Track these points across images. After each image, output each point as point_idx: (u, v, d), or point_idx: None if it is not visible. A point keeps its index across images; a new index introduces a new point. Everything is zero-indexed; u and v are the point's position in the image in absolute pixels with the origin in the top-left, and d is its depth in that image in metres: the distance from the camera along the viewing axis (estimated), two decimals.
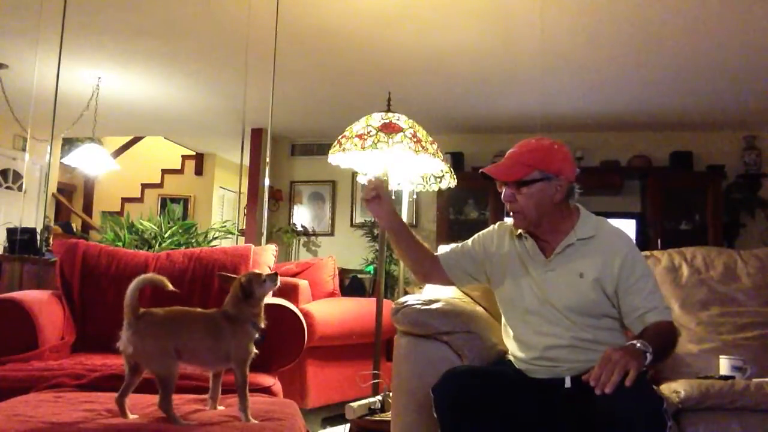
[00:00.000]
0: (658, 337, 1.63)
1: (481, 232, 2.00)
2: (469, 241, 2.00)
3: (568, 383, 1.73)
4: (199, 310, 1.84)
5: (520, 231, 1.88)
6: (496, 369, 1.86)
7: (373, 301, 3.12)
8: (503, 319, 1.95)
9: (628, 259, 1.76)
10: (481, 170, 1.85)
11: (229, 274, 1.87)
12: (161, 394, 1.62)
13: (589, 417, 1.56)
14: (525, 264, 1.86)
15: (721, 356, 2.08)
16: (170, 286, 1.73)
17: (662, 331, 1.68)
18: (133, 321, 1.65)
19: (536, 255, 1.84)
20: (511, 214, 1.85)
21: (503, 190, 1.82)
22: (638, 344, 1.54)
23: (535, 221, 1.81)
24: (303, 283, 3.41)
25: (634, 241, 1.87)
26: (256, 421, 1.65)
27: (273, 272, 1.84)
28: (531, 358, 1.81)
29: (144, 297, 2.68)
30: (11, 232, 5.03)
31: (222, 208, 9.15)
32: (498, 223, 2.01)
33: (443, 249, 2.07)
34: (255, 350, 1.76)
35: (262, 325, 1.78)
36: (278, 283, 1.81)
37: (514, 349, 1.88)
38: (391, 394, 2.14)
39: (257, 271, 1.87)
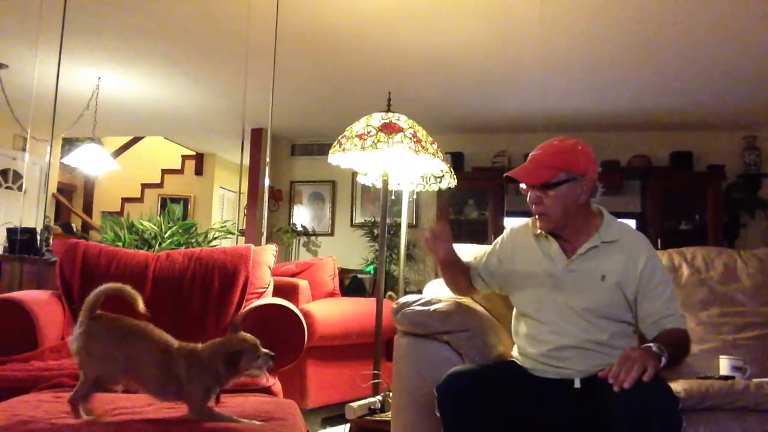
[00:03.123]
0: (673, 342, 1.64)
1: (495, 243, 2.01)
2: (486, 255, 2.00)
3: (577, 384, 1.73)
4: (161, 332, 1.69)
5: (539, 231, 1.88)
6: (501, 368, 1.86)
7: (373, 301, 3.12)
8: (515, 315, 1.95)
9: (650, 264, 1.77)
10: (506, 174, 1.86)
11: (238, 326, 1.69)
12: (78, 388, 1.57)
13: (597, 417, 1.57)
14: (545, 264, 1.85)
15: (721, 356, 2.08)
16: (141, 306, 1.65)
17: (676, 337, 1.69)
18: (86, 320, 1.62)
19: (558, 255, 1.84)
20: (537, 216, 1.85)
21: (528, 193, 1.83)
22: (654, 347, 1.55)
23: (561, 223, 1.82)
24: (303, 283, 3.41)
25: None
26: (253, 422, 1.65)
27: (270, 355, 1.66)
28: (541, 354, 1.80)
29: (144, 297, 2.69)
30: (11, 232, 5.03)
31: (222, 208, 9.15)
32: (509, 228, 2.01)
33: (469, 257, 2.06)
34: (218, 396, 1.66)
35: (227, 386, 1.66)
36: (264, 372, 1.68)
37: (524, 345, 1.87)
38: (391, 394, 2.14)
39: (258, 345, 1.66)
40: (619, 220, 1.89)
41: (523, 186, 1.85)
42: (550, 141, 1.85)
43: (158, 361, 1.63)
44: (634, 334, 1.83)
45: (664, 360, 1.53)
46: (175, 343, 1.67)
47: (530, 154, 1.85)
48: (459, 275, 2.01)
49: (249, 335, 1.67)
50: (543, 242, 1.88)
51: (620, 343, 1.74)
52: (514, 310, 1.95)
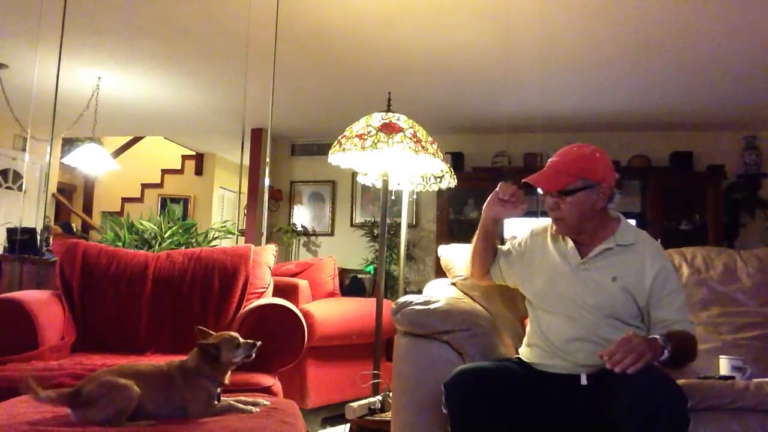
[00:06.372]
0: (679, 340, 1.66)
1: (518, 240, 2.05)
2: (508, 246, 2.05)
3: (584, 380, 1.74)
4: (150, 364, 1.76)
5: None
6: (507, 365, 1.87)
7: (373, 301, 3.12)
8: (528, 307, 1.97)
9: (662, 273, 1.80)
10: (523, 180, 1.89)
11: (207, 331, 1.77)
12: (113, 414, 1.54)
13: (604, 414, 1.57)
14: (559, 262, 1.89)
15: (721, 356, 2.08)
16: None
17: (684, 338, 1.71)
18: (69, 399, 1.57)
19: (572, 254, 1.87)
20: (554, 220, 1.89)
21: (546, 198, 1.86)
22: (659, 339, 1.57)
23: (577, 228, 1.86)
24: (303, 283, 3.41)
25: None
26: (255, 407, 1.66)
27: (251, 342, 1.74)
28: (550, 346, 1.82)
29: (144, 296, 2.70)
30: (11, 232, 5.03)
31: (222, 208, 9.15)
32: (530, 228, 2.05)
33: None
34: (218, 403, 1.68)
35: (226, 382, 1.71)
36: (252, 355, 1.73)
37: (534, 340, 1.88)
38: (391, 394, 2.14)
39: (234, 334, 1.76)
40: (639, 228, 1.92)
41: (540, 191, 1.89)
42: (569, 147, 1.89)
43: (161, 389, 1.63)
44: None
45: (666, 353, 1.55)
46: (164, 364, 1.70)
47: (549, 161, 1.89)
48: (489, 251, 2.04)
49: (226, 332, 1.76)
50: (559, 242, 1.92)
51: None
52: (527, 302, 1.97)
